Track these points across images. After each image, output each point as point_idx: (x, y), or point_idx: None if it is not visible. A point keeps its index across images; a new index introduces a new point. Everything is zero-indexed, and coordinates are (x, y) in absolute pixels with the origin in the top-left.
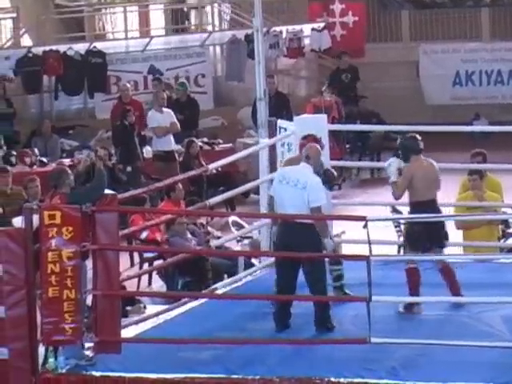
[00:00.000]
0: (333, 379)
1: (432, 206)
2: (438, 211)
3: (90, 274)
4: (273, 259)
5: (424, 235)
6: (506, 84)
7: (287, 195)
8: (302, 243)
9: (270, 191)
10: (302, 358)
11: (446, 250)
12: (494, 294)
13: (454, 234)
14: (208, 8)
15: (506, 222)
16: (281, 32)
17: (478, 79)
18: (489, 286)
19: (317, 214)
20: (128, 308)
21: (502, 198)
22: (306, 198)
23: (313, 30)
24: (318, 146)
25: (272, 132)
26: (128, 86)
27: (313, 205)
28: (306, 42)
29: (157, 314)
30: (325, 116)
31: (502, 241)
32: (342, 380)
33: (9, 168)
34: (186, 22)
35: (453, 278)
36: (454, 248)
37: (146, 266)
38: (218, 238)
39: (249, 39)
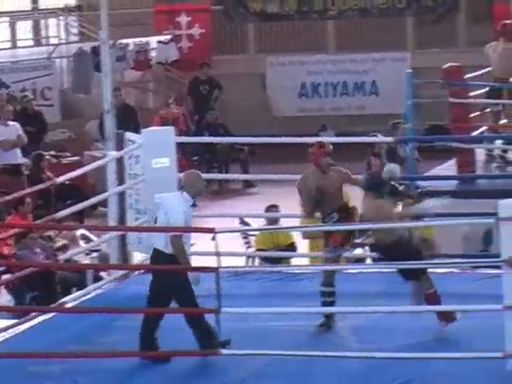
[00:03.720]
0: None
1: None
2: None
3: None
4: (121, 272)
5: None
6: (351, 95)
7: (159, 221)
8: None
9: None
10: (154, 371)
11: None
12: (344, 304)
13: (302, 245)
14: (54, 20)
15: (352, 232)
16: (127, 44)
17: (324, 91)
18: (337, 296)
19: (173, 232)
20: None
21: None
22: (168, 221)
23: (159, 42)
24: (196, 172)
25: (120, 145)
26: None
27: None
28: (153, 54)
29: (5, 329)
30: (172, 128)
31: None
32: None
33: None
34: None
35: None
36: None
37: None
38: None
39: (95, 52)
